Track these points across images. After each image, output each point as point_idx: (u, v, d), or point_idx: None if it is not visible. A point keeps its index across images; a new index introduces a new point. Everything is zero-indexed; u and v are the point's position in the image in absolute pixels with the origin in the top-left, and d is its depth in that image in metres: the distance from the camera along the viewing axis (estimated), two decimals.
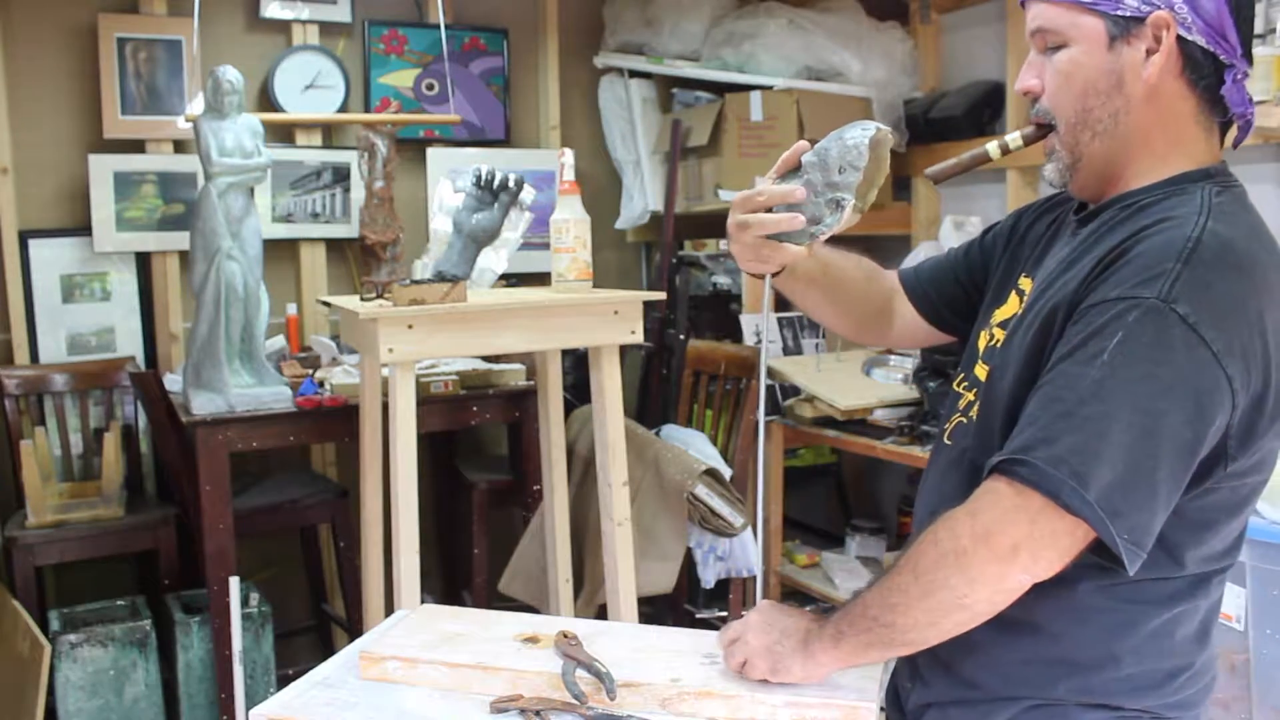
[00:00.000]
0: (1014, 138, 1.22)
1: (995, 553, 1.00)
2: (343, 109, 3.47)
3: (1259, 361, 1.01)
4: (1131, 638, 1.10)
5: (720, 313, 3.75)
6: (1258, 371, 1.01)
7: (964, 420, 1.24)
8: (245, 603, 2.79)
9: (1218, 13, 1.07)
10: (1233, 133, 1.15)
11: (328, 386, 2.78)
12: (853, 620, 1.13)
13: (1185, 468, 1.01)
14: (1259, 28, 2.76)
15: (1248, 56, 1.09)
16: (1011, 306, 1.23)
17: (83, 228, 3.21)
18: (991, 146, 1.24)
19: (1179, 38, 1.07)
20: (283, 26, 3.44)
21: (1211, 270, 0.99)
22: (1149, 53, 1.08)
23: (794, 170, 1.26)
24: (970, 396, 1.24)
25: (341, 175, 3.48)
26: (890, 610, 1.09)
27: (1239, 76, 1.10)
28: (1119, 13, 1.07)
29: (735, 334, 3.63)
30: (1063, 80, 1.12)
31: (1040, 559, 1.01)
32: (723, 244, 3.86)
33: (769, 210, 1.24)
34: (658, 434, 3.10)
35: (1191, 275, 0.99)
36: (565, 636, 1.34)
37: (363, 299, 2.31)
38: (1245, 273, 1.02)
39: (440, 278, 2.22)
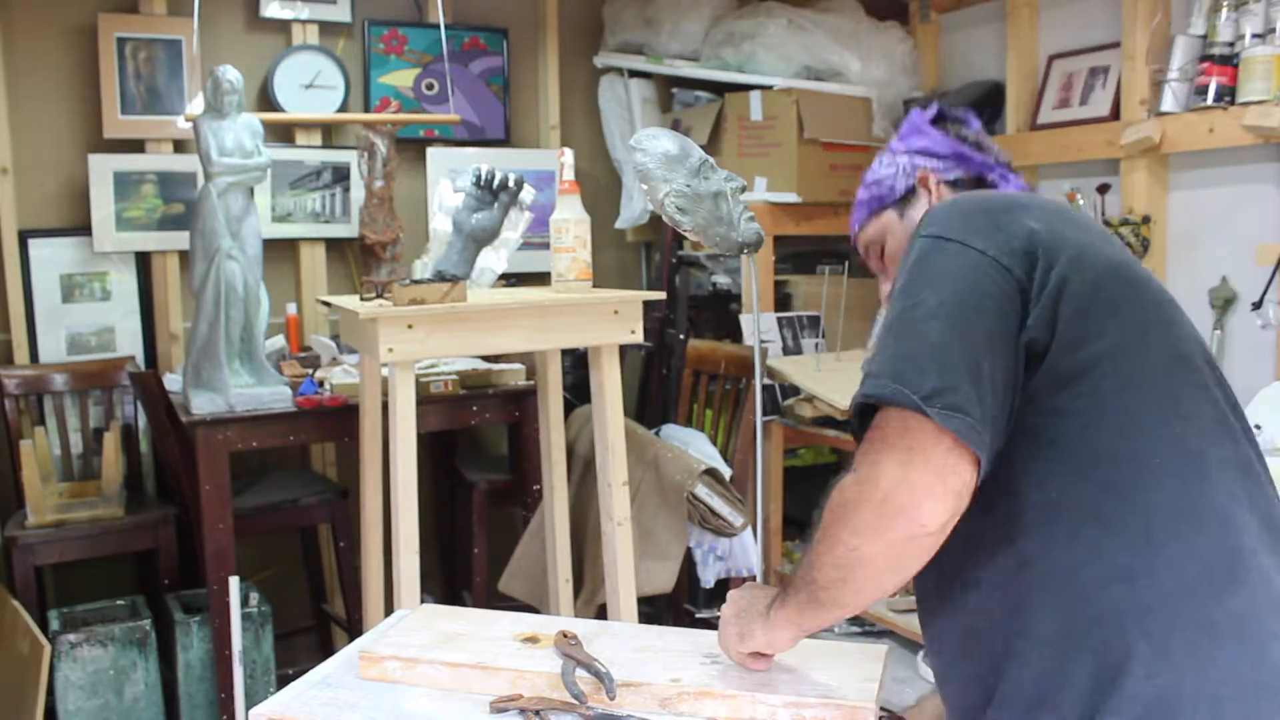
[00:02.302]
0: None
1: (876, 497, 1.00)
2: (342, 109, 3.47)
3: (1021, 235, 1.07)
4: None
5: (720, 313, 3.75)
6: (1021, 242, 1.07)
7: None
8: (245, 603, 2.79)
9: (953, 150, 1.37)
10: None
11: (328, 386, 2.78)
12: (792, 580, 1.16)
13: (977, 335, 1.02)
14: (1259, 27, 2.76)
15: (1005, 164, 1.39)
16: None
17: (83, 228, 3.21)
18: None
19: (942, 180, 1.37)
20: (283, 26, 3.44)
21: (945, 205, 1.16)
22: (929, 197, 1.36)
23: None
24: None
25: (341, 175, 3.48)
26: (809, 568, 1.11)
27: (1008, 177, 1.38)
28: (898, 195, 1.38)
29: (735, 334, 3.63)
30: (892, 264, 1.36)
31: (918, 491, 0.98)
32: None
33: None
34: (658, 434, 3.10)
35: (930, 215, 1.14)
36: (565, 636, 1.34)
37: (363, 299, 2.31)
38: (983, 195, 1.21)
39: (440, 278, 2.22)
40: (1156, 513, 1.02)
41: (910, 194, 1.38)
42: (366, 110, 3.54)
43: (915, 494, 0.99)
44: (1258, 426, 2.39)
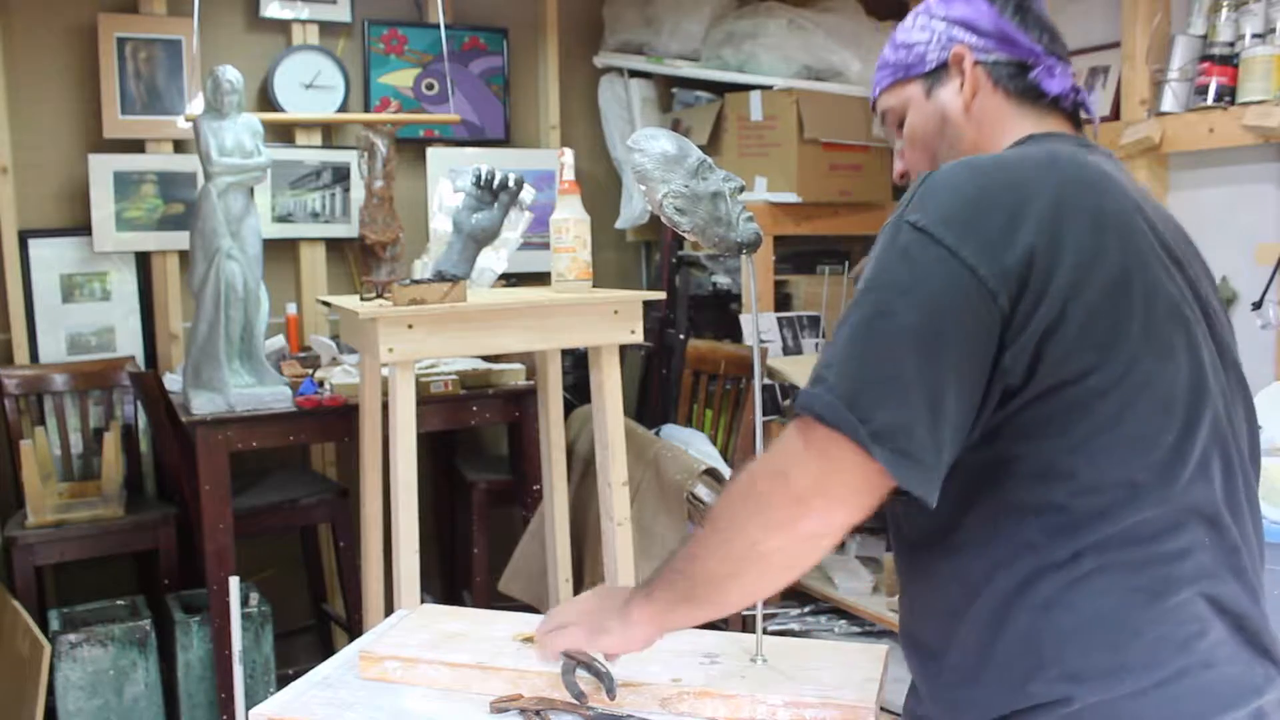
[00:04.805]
0: None
1: (790, 494, 0.97)
2: (342, 109, 3.47)
3: (1017, 251, 0.96)
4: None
5: (720, 313, 3.75)
6: (1016, 261, 0.96)
7: None
8: (245, 603, 2.79)
9: (997, 28, 1.20)
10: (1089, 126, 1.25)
11: (327, 386, 2.78)
12: (662, 575, 1.12)
13: (946, 369, 0.94)
14: (1259, 27, 2.76)
15: (1055, 53, 1.20)
16: None
17: (83, 228, 3.21)
18: None
19: (979, 61, 1.20)
20: (283, 26, 3.44)
21: (945, 182, 1.01)
22: (961, 85, 1.21)
23: None
24: None
25: (341, 175, 3.48)
26: (690, 561, 1.07)
27: (1055, 71, 1.19)
28: (927, 69, 1.22)
29: (735, 334, 3.63)
30: (911, 144, 1.25)
31: (834, 500, 0.96)
32: None
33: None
34: (658, 434, 3.10)
35: (925, 191, 1.01)
36: None
37: (363, 299, 2.31)
38: (987, 173, 1.02)
39: (440, 278, 2.22)
40: (1090, 549, 0.98)
41: (941, 69, 1.21)
42: (366, 110, 3.54)
43: (830, 501, 0.96)
44: (1259, 427, 2.38)
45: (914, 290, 0.95)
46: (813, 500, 0.96)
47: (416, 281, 2.16)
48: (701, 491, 2.81)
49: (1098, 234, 0.99)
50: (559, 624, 1.23)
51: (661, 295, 2.92)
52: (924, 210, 0.98)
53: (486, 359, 3.00)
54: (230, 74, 2.64)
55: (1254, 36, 2.76)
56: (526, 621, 1.45)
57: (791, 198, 3.45)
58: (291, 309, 3.39)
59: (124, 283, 3.30)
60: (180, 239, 3.16)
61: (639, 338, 2.30)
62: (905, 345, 0.94)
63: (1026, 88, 1.19)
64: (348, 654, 1.41)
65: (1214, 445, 1.03)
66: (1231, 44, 2.82)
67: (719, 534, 1.03)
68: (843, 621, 3.34)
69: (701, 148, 1.49)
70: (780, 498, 0.97)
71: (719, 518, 1.03)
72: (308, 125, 3.46)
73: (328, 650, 3.27)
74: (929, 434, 0.93)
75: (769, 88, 3.47)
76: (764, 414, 1.30)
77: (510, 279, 3.24)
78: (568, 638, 1.21)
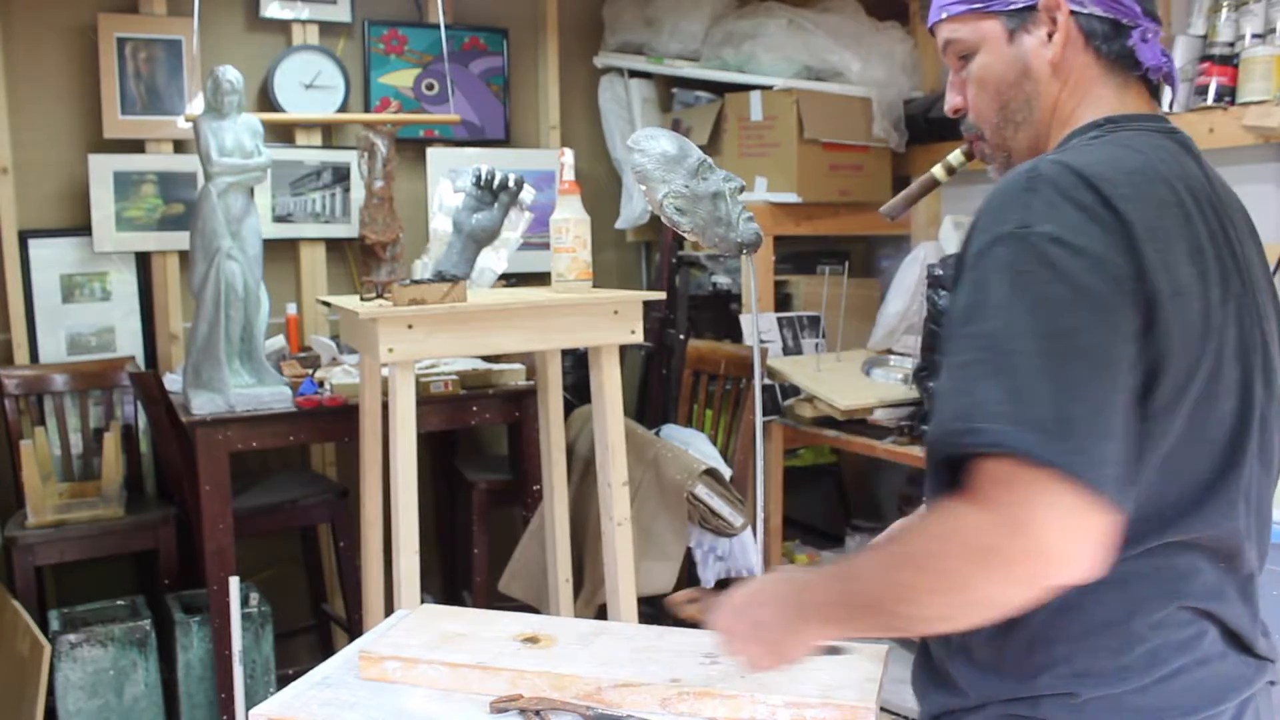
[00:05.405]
0: (955, 156, 1.28)
1: (1030, 550, 0.86)
2: (343, 109, 3.47)
3: (1145, 276, 0.93)
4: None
5: (720, 313, 3.75)
6: (1144, 282, 0.93)
7: None
8: (245, 603, 2.79)
9: None
10: (1166, 94, 1.18)
11: (328, 386, 2.78)
12: (845, 603, 1.02)
13: (1122, 381, 0.90)
14: (1259, 27, 2.76)
15: (1152, 15, 1.10)
16: None
17: (83, 228, 3.21)
18: (937, 170, 1.31)
19: (1074, 13, 1.09)
20: (283, 26, 3.44)
21: (1058, 188, 0.94)
22: (1050, 35, 1.10)
23: None
24: None
25: (341, 175, 3.48)
26: (896, 601, 0.96)
27: (1149, 36, 1.10)
28: (1011, 7, 1.10)
29: (735, 334, 3.63)
30: (978, 87, 1.15)
31: (1078, 550, 0.86)
32: None
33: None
34: (658, 434, 3.10)
35: (1041, 197, 0.94)
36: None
37: (363, 299, 2.31)
38: (1091, 185, 0.95)
39: (440, 278, 2.22)
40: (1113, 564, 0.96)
41: (1028, 11, 1.09)
42: (366, 110, 3.54)
43: (1076, 553, 0.86)
44: None
45: (1076, 304, 0.89)
46: (1057, 555, 0.86)
47: (416, 281, 2.16)
48: (701, 491, 2.81)
49: (1191, 262, 0.96)
50: (738, 638, 1.14)
51: (661, 295, 2.92)
52: (1055, 222, 0.92)
53: (486, 359, 3.00)
54: (230, 74, 2.64)
55: (1254, 36, 2.76)
56: (526, 621, 1.45)
57: (791, 198, 3.45)
58: (291, 309, 3.39)
59: (124, 283, 3.29)
60: (180, 239, 3.16)
61: (639, 338, 2.30)
62: (1089, 365, 0.88)
63: (1121, 53, 1.10)
64: (348, 654, 1.41)
65: (1247, 482, 1.04)
66: (1231, 44, 2.82)
67: (938, 583, 0.92)
68: None
69: (701, 148, 1.49)
70: (1020, 555, 0.86)
71: (935, 567, 0.92)
72: (308, 125, 3.46)
73: (328, 650, 3.27)
74: (1121, 450, 0.89)
75: (769, 88, 3.47)
76: (764, 414, 1.29)
77: (510, 279, 3.24)
78: (759, 660, 1.13)
